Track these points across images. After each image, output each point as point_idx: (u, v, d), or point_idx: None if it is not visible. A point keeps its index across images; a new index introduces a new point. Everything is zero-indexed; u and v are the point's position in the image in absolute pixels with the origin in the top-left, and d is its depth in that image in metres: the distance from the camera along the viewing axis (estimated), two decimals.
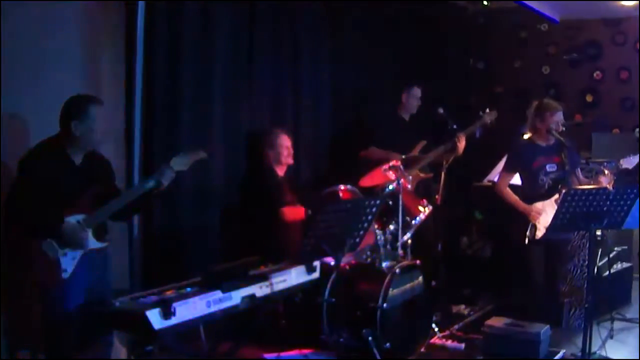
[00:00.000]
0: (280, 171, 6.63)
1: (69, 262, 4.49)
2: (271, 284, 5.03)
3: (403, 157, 6.94)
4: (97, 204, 4.63)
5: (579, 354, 5.77)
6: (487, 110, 7.67)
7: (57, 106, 4.63)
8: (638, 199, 5.42)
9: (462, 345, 6.40)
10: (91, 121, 4.57)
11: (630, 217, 5.48)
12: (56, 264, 4.45)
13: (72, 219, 4.50)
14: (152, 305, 4.19)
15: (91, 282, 4.69)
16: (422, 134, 7.73)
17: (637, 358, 6.24)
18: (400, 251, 6.35)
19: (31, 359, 4.69)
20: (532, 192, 6.27)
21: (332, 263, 5.44)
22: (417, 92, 7.79)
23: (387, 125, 7.83)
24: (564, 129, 6.33)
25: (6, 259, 4.52)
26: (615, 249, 7.87)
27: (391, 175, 6.42)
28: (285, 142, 6.58)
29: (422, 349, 6.16)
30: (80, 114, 4.54)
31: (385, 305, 5.66)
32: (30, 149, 4.62)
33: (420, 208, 6.63)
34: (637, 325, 7.08)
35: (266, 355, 5.93)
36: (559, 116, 6.29)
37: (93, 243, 4.62)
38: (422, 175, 7.61)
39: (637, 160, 6.27)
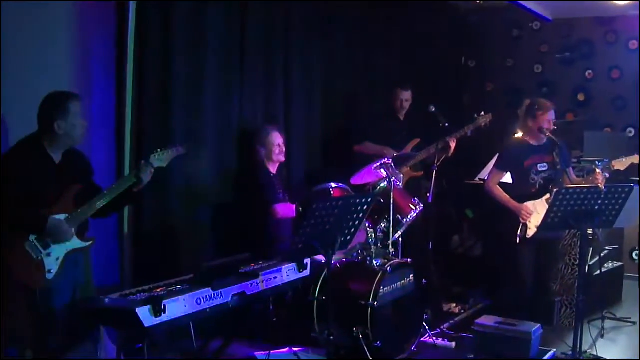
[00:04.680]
0: (272, 168, 6.61)
1: (52, 262, 4.45)
2: (262, 282, 5.04)
3: (394, 154, 6.94)
4: (78, 202, 4.61)
5: (570, 352, 5.78)
6: (482, 113, 7.62)
7: None
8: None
9: (453, 344, 6.40)
10: (73, 118, 4.55)
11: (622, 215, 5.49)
12: (40, 264, 4.42)
13: (56, 218, 4.48)
14: (142, 303, 4.19)
15: (75, 281, 4.68)
16: (415, 132, 7.72)
17: (628, 357, 6.25)
18: (391, 249, 6.34)
19: (19, 357, 4.68)
20: (523, 192, 6.26)
21: (323, 261, 5.42)
22: (401, 94, 7.78)
23: (381, 122, 7.84)
24: (555, 127, 6.33)
25: None
26: (607, 248, 7.88)
27: (382, 173, 6.42)
28: (277, 140, 6.56)
29: (413, 348, 6.15)
30: (62, 112, 4.51)
31: (376, 303, 5.66)
32: (10, 148, 4.59)
33: (411, 206, 6.62)
34: (628, 324, 7.10)
35: (256, 353, 5.93)
36: (551, 115, 6.29)
37: (77, 242, 4.59)
38: (413, 173, 7.61)
39: (630, 160, 6.26)
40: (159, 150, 4.93)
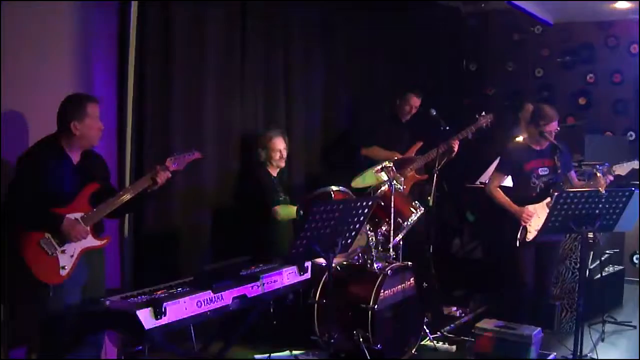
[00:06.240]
0: (273, 171, 6.60)
1: (67, 259, 4.51)
2: (262, 285, 5.04)
3: (395, 158, 6.93)
4: (94, 202, 4.65)
5: (570, 356, 5.78)
6: (483, 113, 7.64)
7: (51, 104, 4.65)
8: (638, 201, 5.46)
9: (454, 347, 6.40)
10: (90, 120, 4.61)
11: (622, 219, 5.49)
12: (55, 261, 4.45)
13: (71, 217, 4.53)
14: (143, 305, 4.20)
15: (87, 280, 4.72)
16: (419, 136, 7.72)
17: None
18: (391, 253, 6.34)
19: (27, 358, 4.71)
20: (524, 195, 6.25)
21: (324, 264, 5.43)
22: (412, 100, 7.78)
23: (384, 126, 7.85)
24: (557, 131, 6.32)
25: (4, 256, 4.52)
26: (607, 251, 7.87)
27: (383, 176, 6.41)
28: (279, 145, 6.53)
29: (413, 351, 6.15)
30: (80, 114, 4.59)
31: (376, 306, 5.65)
32: (29, 148, 4.63)
33: (412, 210, 6.61)
34: (629, 328, 7.09)
35: (257, 356, 5.93)
36: (554, 126, 6.25)
37: (91, 241, 4.62)
38: (417, 177, 7.60)
39: (631, 166, 6.25)
40: (175, 153, 4.99)
